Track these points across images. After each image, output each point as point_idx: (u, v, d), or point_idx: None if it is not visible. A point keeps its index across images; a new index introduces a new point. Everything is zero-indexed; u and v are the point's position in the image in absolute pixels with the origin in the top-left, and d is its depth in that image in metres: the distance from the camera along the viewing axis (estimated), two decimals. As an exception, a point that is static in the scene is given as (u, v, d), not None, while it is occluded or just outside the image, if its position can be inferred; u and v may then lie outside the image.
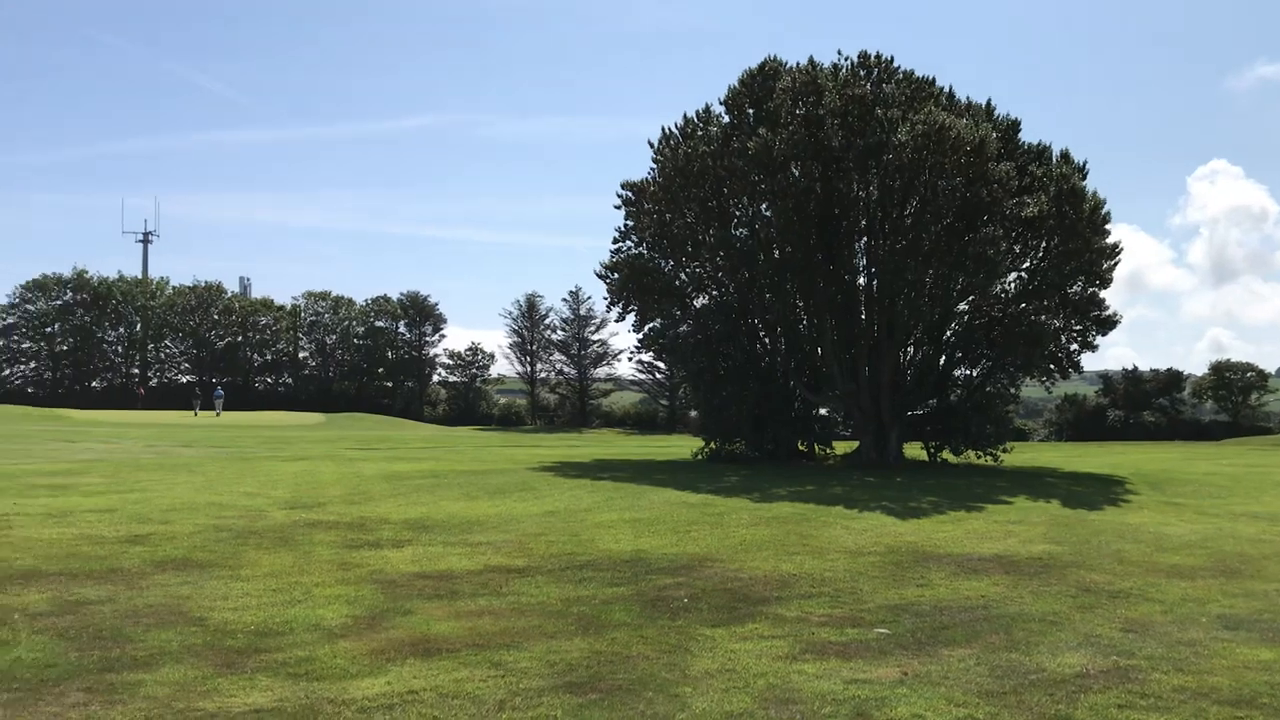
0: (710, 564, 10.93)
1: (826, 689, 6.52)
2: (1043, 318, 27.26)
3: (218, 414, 56.91)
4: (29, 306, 79.99)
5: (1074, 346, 28.38)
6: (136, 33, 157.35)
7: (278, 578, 9.51)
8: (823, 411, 29.72)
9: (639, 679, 6.68)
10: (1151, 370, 59.26)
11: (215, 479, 17.77)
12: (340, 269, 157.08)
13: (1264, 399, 60.84)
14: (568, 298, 78.92)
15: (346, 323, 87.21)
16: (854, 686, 6.58)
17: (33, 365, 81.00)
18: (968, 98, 27.10)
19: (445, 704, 6.08)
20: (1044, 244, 26.27)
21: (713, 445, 27.74)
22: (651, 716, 5.97)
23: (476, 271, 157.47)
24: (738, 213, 27.48)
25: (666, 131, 27.70)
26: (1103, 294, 27.28)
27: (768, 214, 26.40)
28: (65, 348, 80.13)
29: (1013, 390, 29.31)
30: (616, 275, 28.64)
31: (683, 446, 32.96)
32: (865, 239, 26.61)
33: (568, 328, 79.00)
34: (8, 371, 79.55)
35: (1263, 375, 60.43)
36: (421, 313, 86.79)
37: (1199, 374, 61.88)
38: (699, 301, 29.29)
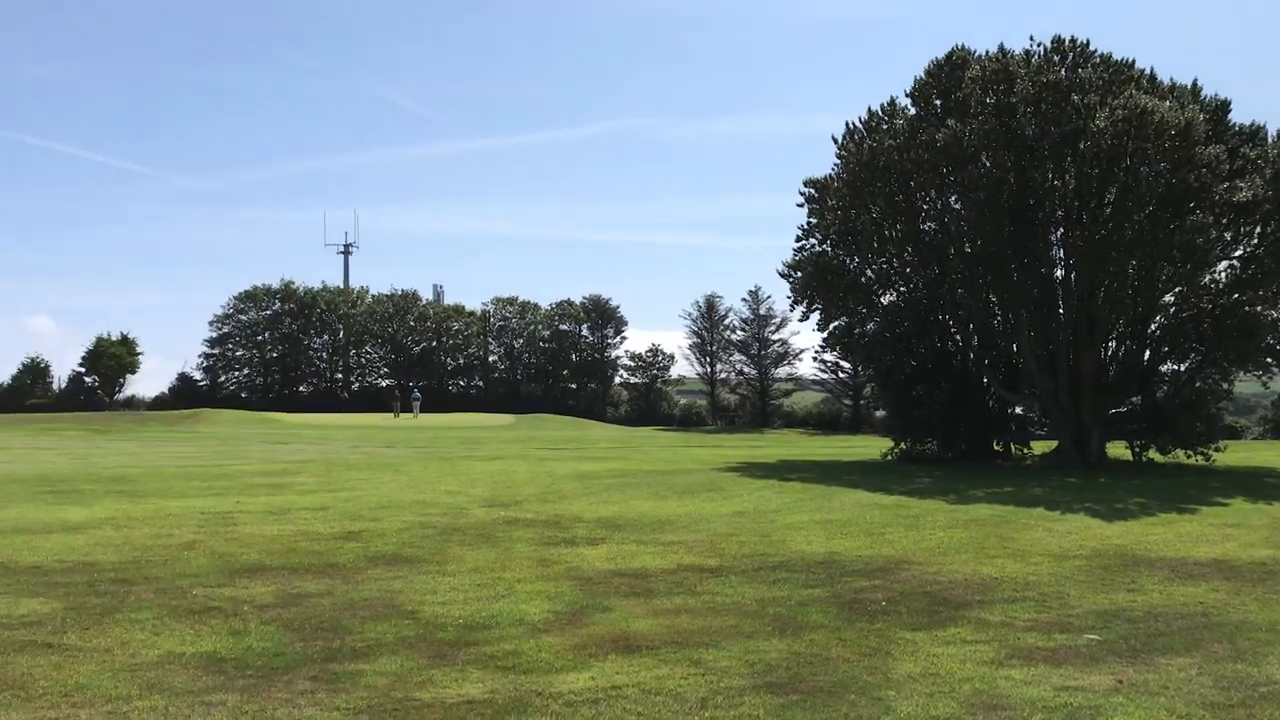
0: (907, 566, 10.70)
1: (1036, 695, 6.29)
2: (1258, 309, 25.52)
3: (415, 415, 59.32)
4: (242, 316, 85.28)
5: (1294, 339, 26.48)
6: (336, 55, 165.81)
7: (481, 573, 9.83)
8: (1018, 410, 28.67)
9: (840, 681, 6.60)
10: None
11: (418, 478, 18.53)
12: (526, 274, 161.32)
13: None
14: (747, 297, 78.66)
15: (532, 327, 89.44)
16: (1065, 694, 6.33)
17: (245, 372, 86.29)
18: (1171, 79, 25.58)
19: (648, 700, 6.15)
20: (1259, 230, 24.61)
21: (903, 446, 27.14)
22: (855, 719, 5.90)
23: (656, 273, 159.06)
24: (925, 206, 26.83)
25: (850, 126, 27.30)
26: (1328, 281, 25.33)
27: (957, 207, 25.67)
28: (275, 355, 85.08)
29: (1225, 386, 27.54)
30: (799, 274, 28.38)
31: (870, 447, 32.39)
32: (1062, 230, 25.50)
33: (748, 328, 78.73)
34: (224, 378, 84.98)
35: None
36: (603, 315, 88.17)
37: None
38: (886, 298, 28.72)
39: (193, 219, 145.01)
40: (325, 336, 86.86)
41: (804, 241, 28.80)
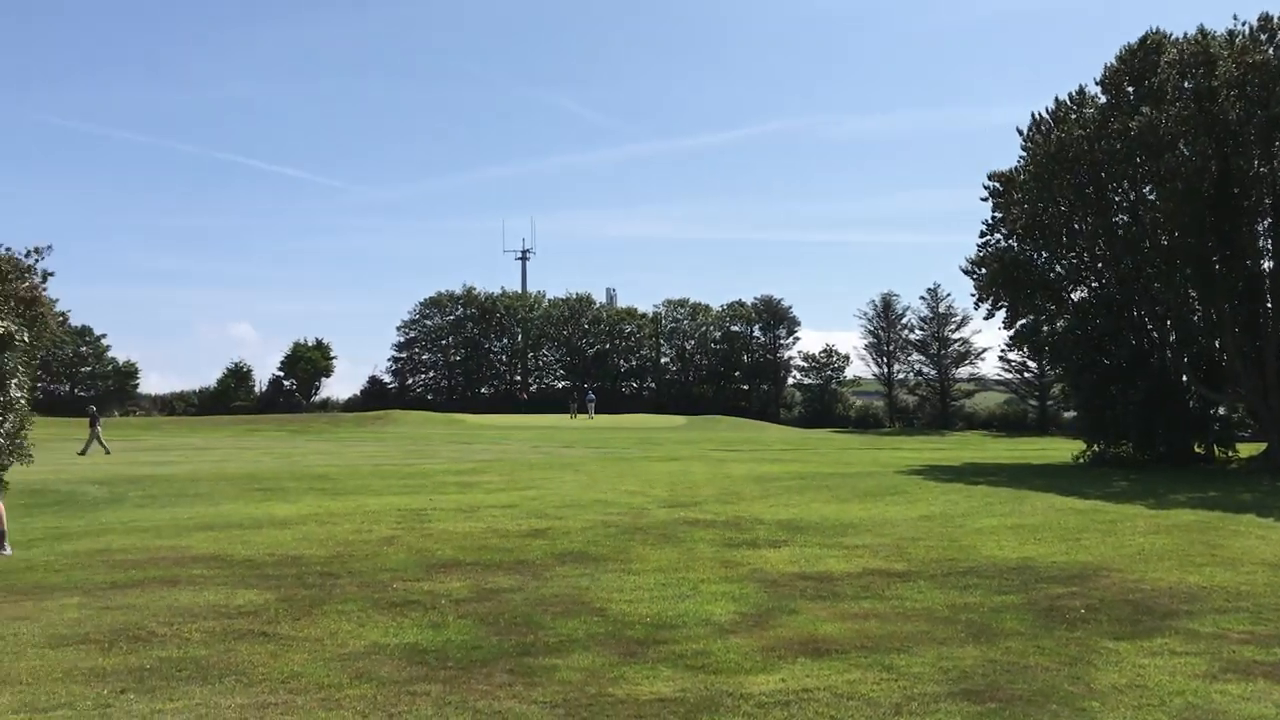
0: (1106, 573, 10.24)
1: (1257, 713, 5.92)
2: None
3: (591, 417, 60.32)
4: (427, 322, 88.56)
5: None
6: (516, 68, 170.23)
7: (665, 573, 9.92)
8: (1221, 410, 27.05)
9: (1040, 690, 6.37)
10: None
11: (598, 478, 18.84)
12: (697, 276, 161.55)
13: None
14: (925, 295, 76.78)
15: (704, 328, 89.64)
16: (1292, 713, 5.93)
17: (431, 374, 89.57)
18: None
19: (840, 704, 6.08)
20: None
21: (1095, 448, 25.99)
22: (1061, 731, 5.68)
23: (830, 273, 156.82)
24: (1117, 198, 25.66)
25: (1036, 117, 26.36)
26: None
27: (1152, 198, 24.44)
28: (458, 358, 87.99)
29: None
30: (984, 270, 27.55)
31: (1059, 449, 31.15)
32: (1269, 220, 23.96)
33: (926, 326, 76.88)
34: (411, 381, 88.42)
35: None
36: (775, 316, 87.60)
37: None
38: (1076, 295, 27.56)
39: (381, 229, 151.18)
40: (504, 340, 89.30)
41: (988, 237, 27.97)
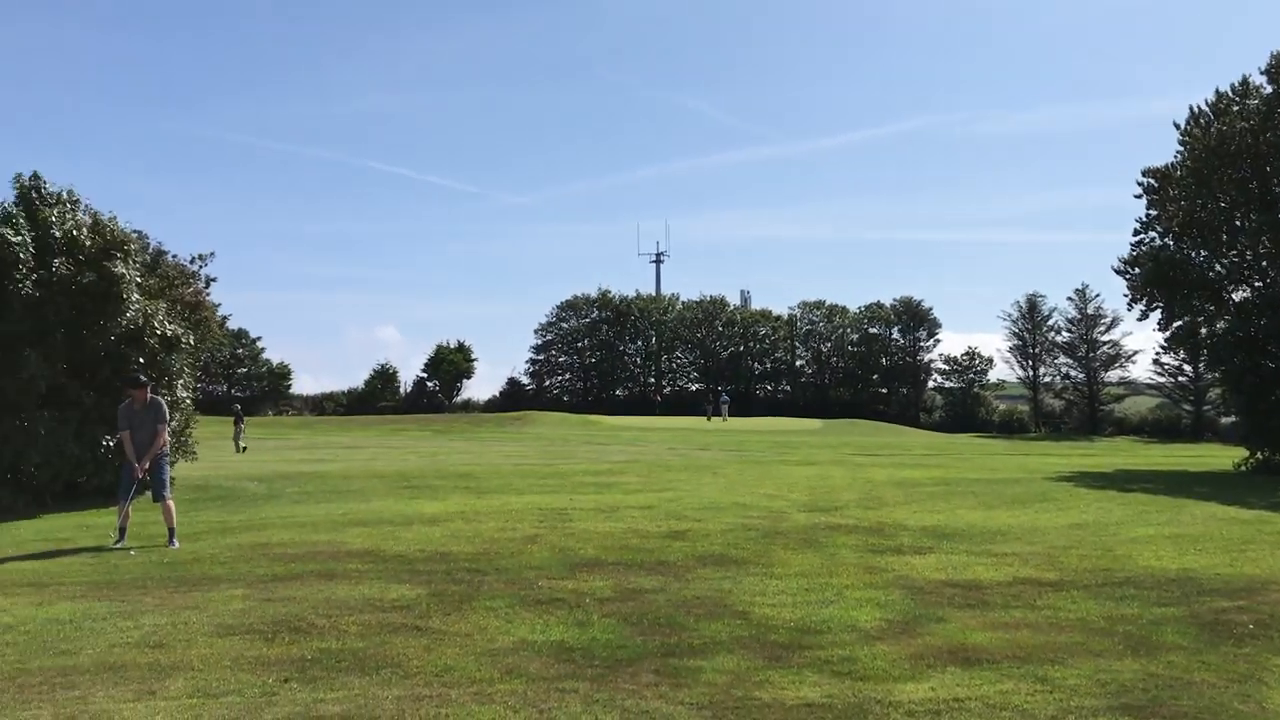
0: (1276, 587, 9.71)
1: None
2: None
3: (724, 419, 60.24)
4: (563, 324, 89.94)
5: None
6: (649, 71, 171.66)
7: (808, 578, 9.83)
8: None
9: (1206, 707, 6.08)
10: None
11: (736, 481, 18.79)
12: (833, 277, 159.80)
13: None
14: (1073, 296, 74.41)
15: (840, 330, 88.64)
16: None
17: (567, 376, 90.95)
18: None
19: (993, 715, 5.92)
20: None
21: (1259, 455, 24.68)
22: (1232, 752, 5.42)
23: (972, 273, 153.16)
24: (1284, 193, 24.33)
25: (1195, 110, 25.24)
26: None
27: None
28: (593, 360, 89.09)
29: None
30: (1138, 270, 26.51)
31: (1217, 456, 29.73)
32: None
33: (1074, 328, 74.45)
34: (548, 382, 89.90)
35: None
36: (915, 318, 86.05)
37: None
38: (1237, 295, 26.25)
39: (518, 234, 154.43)
40: (639, 342, 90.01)
41: (1142, 235, 26.92)
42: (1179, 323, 27.11)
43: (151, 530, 12.74)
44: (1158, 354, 61.16)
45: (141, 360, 16.80)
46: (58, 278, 16.01)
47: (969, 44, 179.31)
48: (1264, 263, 25.33)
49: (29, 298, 15.82)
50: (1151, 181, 26.21)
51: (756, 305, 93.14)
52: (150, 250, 18.29)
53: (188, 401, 18.47)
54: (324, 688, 6.37)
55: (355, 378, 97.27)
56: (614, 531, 12.40)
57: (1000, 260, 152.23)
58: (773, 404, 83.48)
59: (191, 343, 17.99)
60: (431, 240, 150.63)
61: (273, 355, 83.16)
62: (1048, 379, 76.48)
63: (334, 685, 6.42)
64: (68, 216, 16.86)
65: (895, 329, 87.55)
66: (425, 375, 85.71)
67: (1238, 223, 24.86)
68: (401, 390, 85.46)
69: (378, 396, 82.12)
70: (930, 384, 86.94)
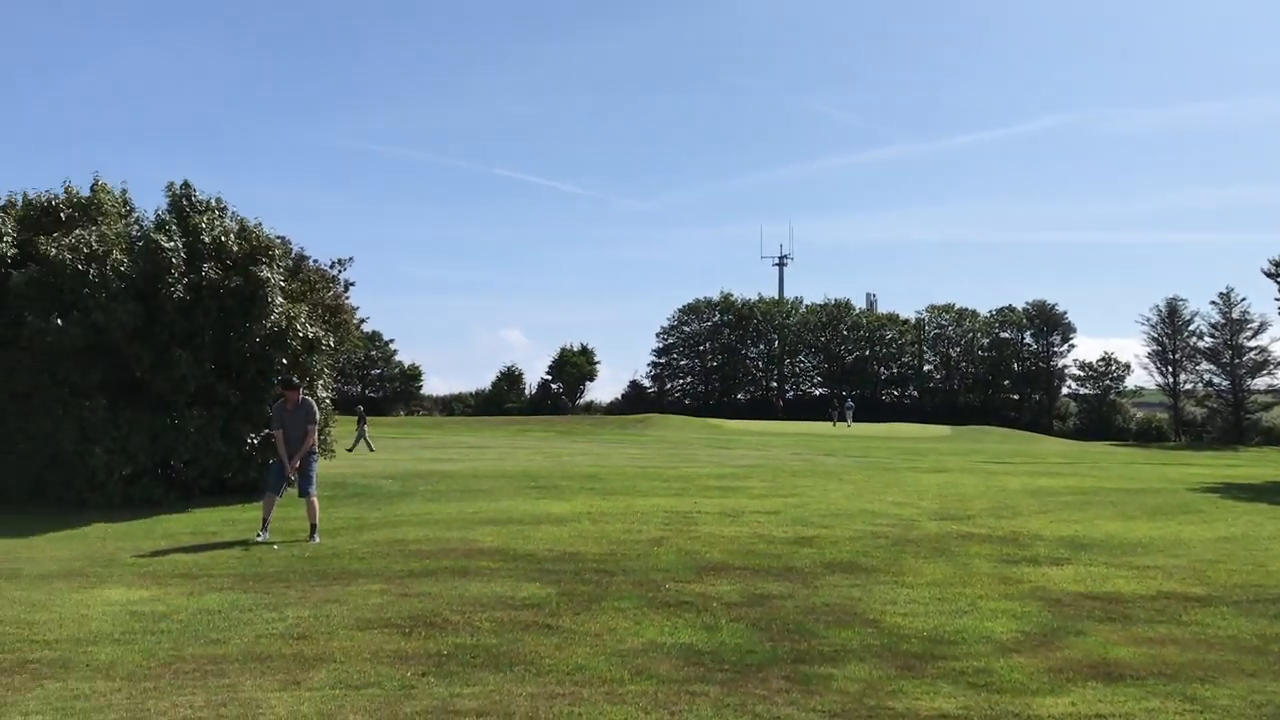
0: None
1: None
2: None
3: (849, 424, 59.47)
4: (685, 328, 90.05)
5: None
6: (770, 73, 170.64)
7: (940, 587, 9.64)
8: None
9: (1373, 737, 5.76)
10: None
11: (863, 487, 18.54)
12: (963, 280, 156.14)
13: None
14: (1217, 300, 71.00)
15: (970, 335, 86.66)
16: None
17: (688, 380, 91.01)
18: None
19: (1140, 735, 5.72)
20: None
21: None
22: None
23: (1108, 276, 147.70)
24: None
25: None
26: None
27: None
28: (715, 364, 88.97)
29: None
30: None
31: (1379, 469, 28.04)
32: None
33: (1217, 333, 71.12)
34: (669, 385, 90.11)
35: None
36: (1048, 322, 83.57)
37: None
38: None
39: (642, 238, 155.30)
40: (761, 346, 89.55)
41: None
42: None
43: (293, 526, 13.22)
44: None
45: (285, 361, 17.46)
46: (207, 282, 16.74)
47: (1103, 39, 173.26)
48: None
49: (180, 301, 16.59)
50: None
51: (883, 309, 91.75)
52: (293, 255, 18.97)
53: (327, 401, 19.12)
54: (460, 683, 6.53)
55: (482, 379, 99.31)
56: (740, 536, 12.37)
57: (1137, 262, 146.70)
58: (899, 409, 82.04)
59: (331, 344, 18.62)
60: (556, 245, 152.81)
61: (404, 357, 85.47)
62: (1189, 386, 73.29)
63: (469, 681, 6.57)
64: (216, 223, 17.63)
65: (1027, 333, 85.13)
66: (549, 377, 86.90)
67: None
68: (526, 392, 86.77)
69: (504, 398, 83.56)
70: (1064, 390, 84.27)
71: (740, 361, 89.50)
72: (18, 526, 14.19)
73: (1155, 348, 74.24)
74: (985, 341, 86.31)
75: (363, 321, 21.52)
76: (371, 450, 30.80)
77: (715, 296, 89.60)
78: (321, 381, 18.71)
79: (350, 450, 30.23)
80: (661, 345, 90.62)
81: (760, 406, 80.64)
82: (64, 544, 12.75)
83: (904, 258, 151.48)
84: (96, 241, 16.35)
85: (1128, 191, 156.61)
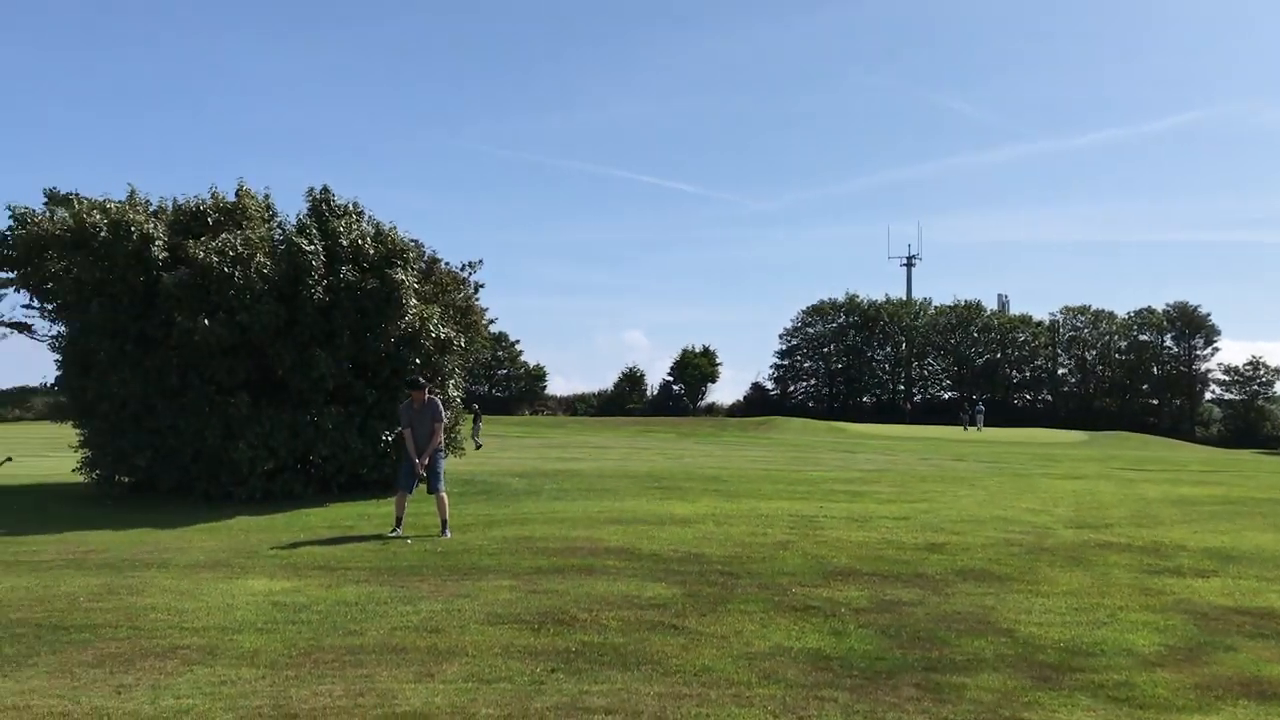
0: None
1: None
2: None
3: (979, 429, 57.88)
4: (809, 329, 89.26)
5: None
6: (899, 70, 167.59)
7: (1077, 597, 9.34)
8: None
9: None
10: None
11: (995, 493, 18.08)
12: (1099, 281, 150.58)
13: None
14: (1379, 301, 67.11)
15: (1107, 337, 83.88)
16: None
17: (812, 382, 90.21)
18: None
19: (1296, 758, 5.45)
20: None
21: None
22: None
23: (1257, 276, 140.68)
24: None
25: None
26: None
27: None
28: (839, 366, 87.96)
29: None
30: None
31: None
32: None
33: (1379, 337, 67.24)
34: (792, 388, 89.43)
35: None
36: (1191, 324, 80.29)
37: None
38: None
39: (762, 239, 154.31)
40: (888, 348, 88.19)
41: None
42: None
43: (425, 521, 13.56)
44: None
45: (418, 361, 17.92)
46: (344, 284, 17.29)
47: (1250, 29, 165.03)
48: None
49: (319, 302, 17.18)
50: None
51: (1015, 310, 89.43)
52: (425, 258, 19.47)
53: (457, 400, 19.56)
54: (588, 680, 6.60)
55: (604, 380, 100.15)
56: (868, 541, 12.19)
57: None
58: (1031, 414, 79.84)
59: (462, 345, 19.04)
60: (678, 246, 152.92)
61: (529, 358, 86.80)
62: (1345, 391, 69.64)
63: (597, 678, 6.64)
64: (354, 227, 18.21)
65: (1168, 336, 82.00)
66: (671, 379, 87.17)
67: None
68: (648, 393, 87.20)
69: (625, 399, 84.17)
70: (1207, 395, 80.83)
71: (866, 364, 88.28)
72: (168, 518, 14.90)
73: (1309, 351, 70.62)
74: (1123, 344, 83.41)
75: (491, 322, 21.93)
76: (478, 448, 31.15)
77: (840, 297, 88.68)
78: (452, 381, 19.15)
79: (479, 448, 30.80)
80: (785, 347, 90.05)
81: (886, 410, 79.40)
82: (210, 535, 13.34)
83: (1036, 257, 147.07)
84: (241, 245, 17.05)
85: (1277, 188, 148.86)
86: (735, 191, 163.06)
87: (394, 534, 12.81)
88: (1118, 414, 77.18)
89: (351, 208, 18.93)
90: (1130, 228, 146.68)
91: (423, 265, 19.32)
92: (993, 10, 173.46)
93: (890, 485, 19.37)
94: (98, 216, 17.06)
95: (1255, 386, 76.46)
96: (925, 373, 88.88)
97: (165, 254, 17.28)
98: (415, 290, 18.13)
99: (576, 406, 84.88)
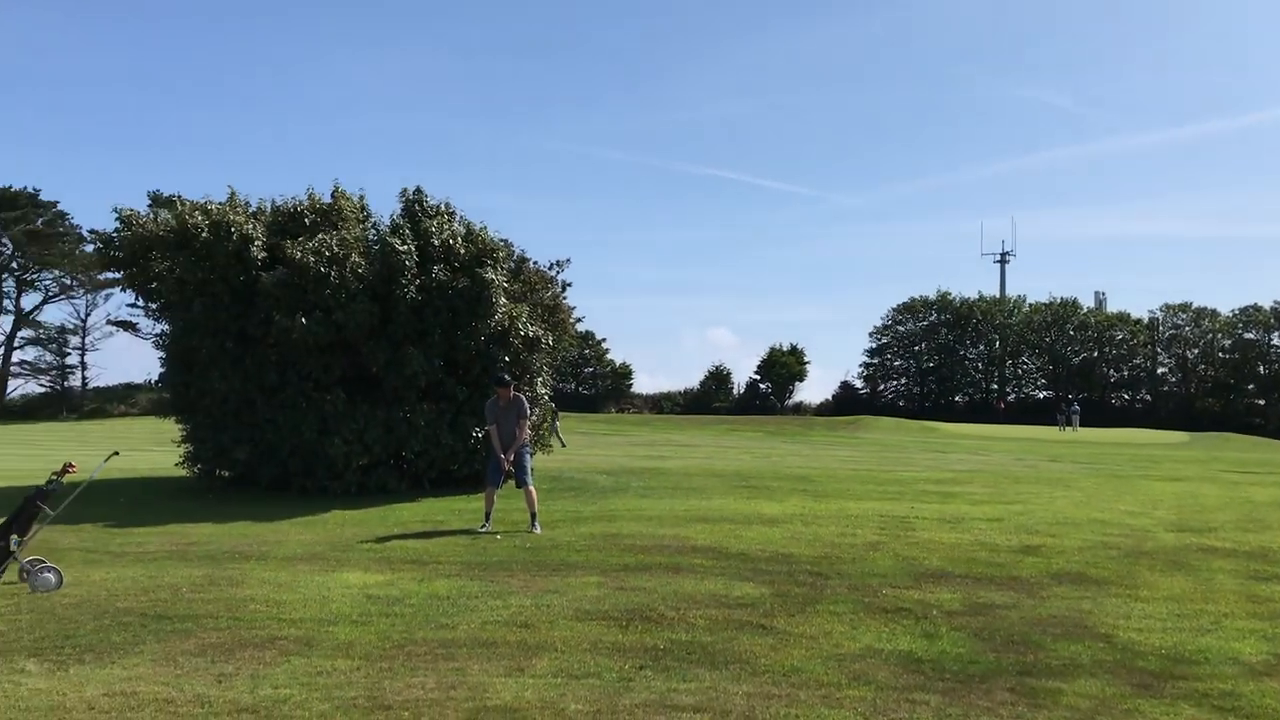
0: None
1: None
2: None
3: (1075, 429, 56.83)
4: (899, 328, 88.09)
5: None
6: (997, 64, 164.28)
7: (1179, 602, 9.07)
8: None
9: None
10: None
11: (1092, 495, 17.65)
12: (1202, 278, 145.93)
13: None
14: None
15: (1209, 335, 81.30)
16: None
17: (902, 381, 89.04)
18: None
19: None
20: None
21: None
22: None
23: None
24: None
25: None
26: None
27: None
28: (931, 365, 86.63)
29: None
30: None
31: None
32: None
33: None
34: (882, 387, 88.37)
35: None
36: (1301, 322, 77.26)
37: None
38: None
39: (851, 236, 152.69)
40: (980, 346, 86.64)
41: None
42: None
43: (514, 517, 13.71)
44: None
45: (507, 359, 18.13)
46: (436, 283, 17.57)
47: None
48: None
49: (412, 301, 17.48)
50: None
51: (1112, 308, 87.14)
52: (514, 257, 19.69)
53: (545, 398, 19.74)
54: (676, 678, 6.61)
55: (690, 378, 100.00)
56: (960, 543, 12.00)
57: None
58: (1129, 414, 77.72)
59: (550, 343, 19.21)
60: (765, 243, 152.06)
61: (615, 356, 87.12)
62: None
63: (686, 676, 6.64)
64: (445, 227, 18.49)
65: (1275, 334, 79.10)
66: (758, 377, 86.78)
67: None
68: (734, 391, 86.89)
69: (711, 397, 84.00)
70: (1319, 396, 77.78)
71: (958, 363, 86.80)
72: (266, 512, 15.30)
73: None
74: (1226, 343, 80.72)
75: (578, 321, 22.08)
76: (563, 446, 31.25)
77: (932, 295, 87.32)
78: (540, 379, 19.34)
79: (564, 445, 30.98)
80: (874, 345, 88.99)
81: (979, 410, 77.96)
82: (306, 529, 13.67)
83: (1135, 254, 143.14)
84: (337, 245, 17.43)
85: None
86: (822, 187, 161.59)
87: (483, 529, 12.98)
88: (1221, 414, 74.65)
89: (443, 208, 19.23)
90: (1234, 222, 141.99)
91: (512, 264, 19.54)
92: (1085, 2, 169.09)
93: (983, 486, 19.04)
94: (199, 218, 17.59)
95: (1369, 387, 73.42)
96: (1019, 372, 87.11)
97: (264, 254, 17.74)
98: (504, 289, 18.34)
99: (662, 404, 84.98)
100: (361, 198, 19.92)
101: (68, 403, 73.55)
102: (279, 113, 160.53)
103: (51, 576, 9.43)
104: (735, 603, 8.79)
